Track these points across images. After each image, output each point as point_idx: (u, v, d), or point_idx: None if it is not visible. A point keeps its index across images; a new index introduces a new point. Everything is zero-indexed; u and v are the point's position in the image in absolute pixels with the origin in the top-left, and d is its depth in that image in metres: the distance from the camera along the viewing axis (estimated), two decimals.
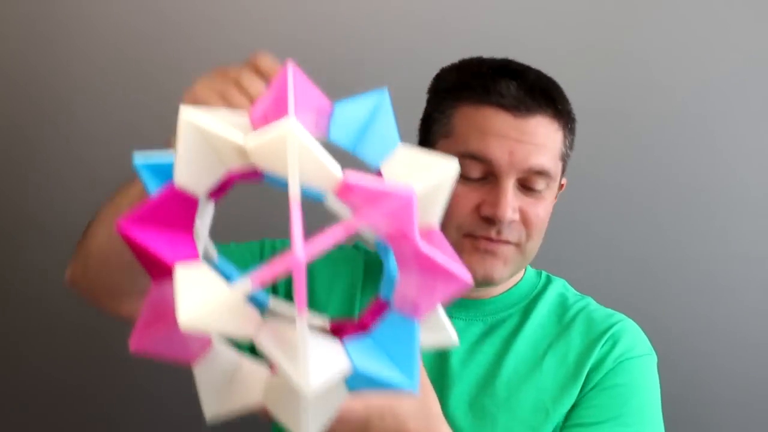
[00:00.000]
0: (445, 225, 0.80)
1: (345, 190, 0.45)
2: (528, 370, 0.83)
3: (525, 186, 0.82)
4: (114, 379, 1.31)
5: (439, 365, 0.84)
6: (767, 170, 1.29)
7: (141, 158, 0.48)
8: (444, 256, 0.46)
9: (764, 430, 1.32)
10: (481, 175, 0.81)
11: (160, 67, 1.26)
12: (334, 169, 0.44)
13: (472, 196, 0.81)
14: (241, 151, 0.45)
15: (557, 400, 0.81)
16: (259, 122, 0.47)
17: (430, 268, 0.45)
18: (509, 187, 0.81)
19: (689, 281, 1.30)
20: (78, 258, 0.77)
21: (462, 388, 0.82)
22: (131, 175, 1.11)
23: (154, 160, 0.48)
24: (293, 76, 0.47)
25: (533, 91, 0.82)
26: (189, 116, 0.45)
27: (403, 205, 0.43)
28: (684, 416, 1.21)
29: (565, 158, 0.86)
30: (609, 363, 0.82)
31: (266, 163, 0.45)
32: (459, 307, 0.86)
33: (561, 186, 0.91)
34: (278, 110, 0.46)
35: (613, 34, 1.28)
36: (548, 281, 0.92)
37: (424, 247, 0.45)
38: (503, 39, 1.24)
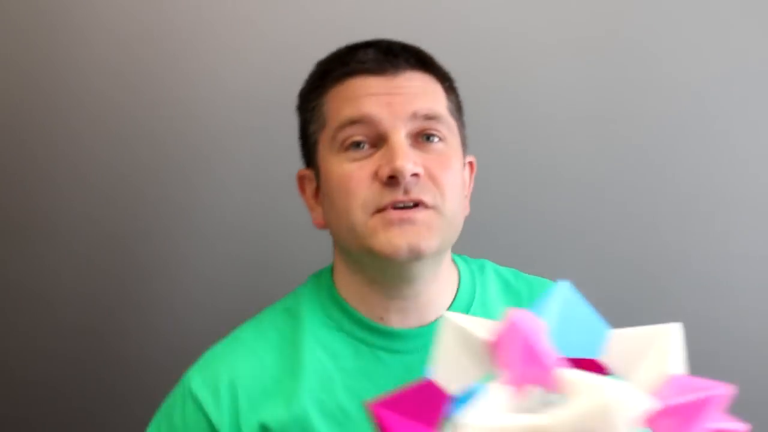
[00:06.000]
0: (349, 210, 0.75)
1: (661, 415, 0.44)
2: None
3: (419, 140, 0.77)
4: (114, 380, 1.31)
5: None
6: (767, 170, 1.29)
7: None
8: None
9: (764, 430, 1.32)
10: (368, 142, 0.76)
11: (158, 68, 1.26)
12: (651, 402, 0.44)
13: (367, 167, 0.75)
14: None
15: None
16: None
17: None
18: (400, 137, 0.74)
19: (689, 281, 1.30)
20: None
21: None
22: (127, 175, 1.08)
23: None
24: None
25: (393, 50, 0.79)
26: (451, 317, 0.50)
27: (722, 403, 0.43)
28: None
29: (455, 117, 0.81)
30: None
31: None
32: (406, 340, 0.79)
33: (471, 166, 0.86)
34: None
35: (613, 33, 1.28)
36: (481, 267, 0.87)
37: None
38: (503, 39, 1.24)
